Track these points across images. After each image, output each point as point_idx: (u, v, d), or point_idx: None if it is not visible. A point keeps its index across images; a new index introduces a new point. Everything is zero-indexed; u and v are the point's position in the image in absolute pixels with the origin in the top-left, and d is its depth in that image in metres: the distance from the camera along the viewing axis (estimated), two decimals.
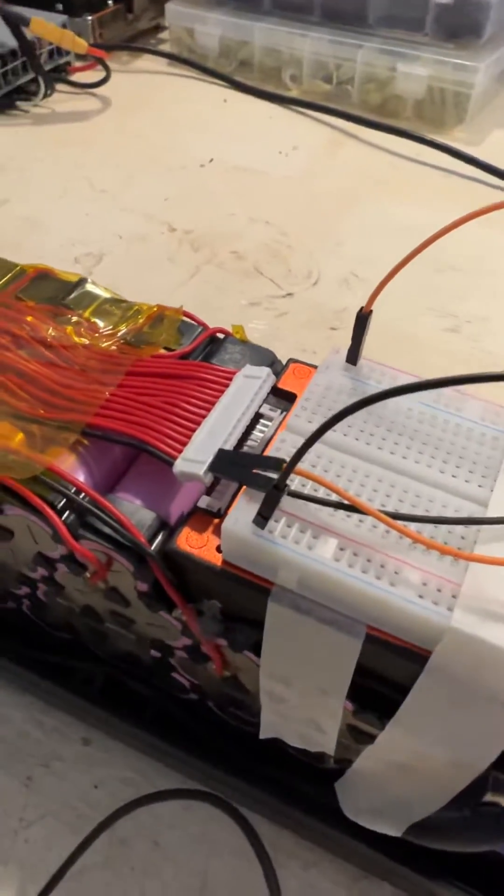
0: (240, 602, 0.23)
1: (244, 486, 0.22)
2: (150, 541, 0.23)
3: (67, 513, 0.24)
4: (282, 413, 0.26)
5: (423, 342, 0.53)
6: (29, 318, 0.30)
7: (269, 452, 0.23)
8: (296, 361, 0.28)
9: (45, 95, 0.76)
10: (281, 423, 0.25)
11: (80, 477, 0.25)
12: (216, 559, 0.22)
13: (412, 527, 0.21)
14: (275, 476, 0.20)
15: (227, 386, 0.25)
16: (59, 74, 0.80)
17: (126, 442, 0.24)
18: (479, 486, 0.23)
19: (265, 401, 0.27)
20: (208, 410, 0.25)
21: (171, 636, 0.26)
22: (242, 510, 0.21)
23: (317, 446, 0.23)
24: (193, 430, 0.24)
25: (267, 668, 0.24)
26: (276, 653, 0.23)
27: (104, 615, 0.28)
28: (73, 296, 0.31)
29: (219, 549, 0.22)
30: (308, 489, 0.22)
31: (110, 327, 0.29)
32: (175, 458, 0.23)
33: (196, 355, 0.29)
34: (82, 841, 0.29)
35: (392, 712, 0.22)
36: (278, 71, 0.82)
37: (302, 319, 0.54)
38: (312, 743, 0.26)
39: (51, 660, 0.33)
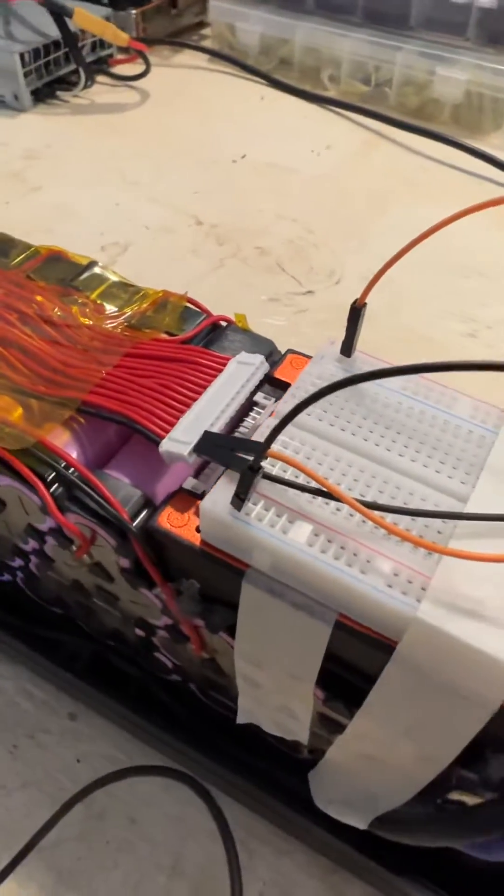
0: (217, 583, 0.23)
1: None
2: (134, 518, 0.24)
3: (56, 486, 0.24)
4: (275, 401, 0.27)
5: (439, 346, 0.53)
6: (38, 298, 0.30)
7: (254, 438, 0.24)
8: (294, 352, 0.28)
9: (85, 86, 0.78)
10: (273, 410, 0.25)
11: (73, 453, 0.26)
12: (195, 539, 0.23)
13: (389, 518, 0.21)
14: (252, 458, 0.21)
15: (220, 371, 0.26)
16: (100, 66, 0.81)
17: (116, 419, 0.25)
18: (462, 482, 0.22)
19: (261, 389, 0.27)
20: (200, 394, 0.25)
21: (153, 614, 0.27)
22: (221, 491, 0.22)
23: (302, 434, 0.24)
24: (183, 412, 0.24)
25: (241, 651, 0.24)
26: (249, 635, 0.23)
27: (91, 590, 0.28)
28: (82, 278, 0.31)
29: (198, 530, 0.23)
30: (289, 476, 0.22)
31: (115, 310, 0.30)
32: (163, 437, 0.24)
33: (197, 341, 0.29)
34: (58, 809, 0.30)
35: (361, 702, 0.22)
36: (317, 70, 0.82)
37: (320, 317, 0.55)
38: (287, 730, 0.27)
39: (43, 634, 0.34)
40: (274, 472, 0.22)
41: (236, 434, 0.26)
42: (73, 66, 0.77)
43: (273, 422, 0.24)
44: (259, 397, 0.27)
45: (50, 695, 0.35)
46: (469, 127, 0.77)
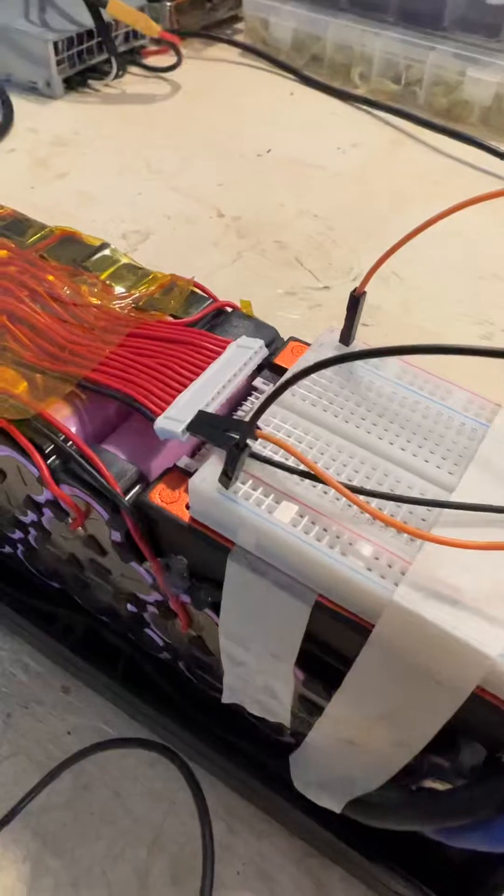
0: (204, 560, 0.24)
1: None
2: (126, 492, 0.24)
3: (53, 458, 0.25)
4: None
5: None
6: (49, 278, 0.31)
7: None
8: (296, 340, 0.29)
9: (117, 76, 0.78)
10: None
11: (72, 427, 0.26)
12: (184, 515, 0.23)
13: (374, 503, 0.21)
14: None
15: (220, 354, 0.26)
16: (132, 57, 0.82)
17: (115, 396, 0.25)
18: (449, 472, 0.23)
19: (260, 375, 0.28)
20: (198, 375, 0.25)
21: (143, 590, 0.27)
22: (211, 469, 0.22)
23: (294, 418, 0.24)
24: (180, 392, 0.25)
25: (225, 628, 0.24)
26: (233, 612, 0.24)
27: (85, 564, 0.29)
28: (93, 259, 0.32)
29: (188, 507, 0.23)
30: (280, 458, 0.22)
31: (123, 291, 0.30)
32: (158, 415, 0.24)
33: (201, 325, 0.29)
34: (44, 777, 0.31)
35: (340, 685, 0.22)
36: (348, 68, 0.82)
37: (335, 313, 0.55)
38: (269, 711, 0.27)
39: (40, 607, 0.34)
40: (265, 454, 0.22)
41: (234, 417, 0.26)
42: (105, 56, 0.78)
43: (271, 406, 0.24)
44: (258, 382, 0.27)
45: (45, 667, 0.36)
46: (498, 129, 0.76)
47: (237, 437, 0.21)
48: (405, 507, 0.22)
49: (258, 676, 0.25)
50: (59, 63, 0.75)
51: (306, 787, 0.27)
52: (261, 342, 0.26)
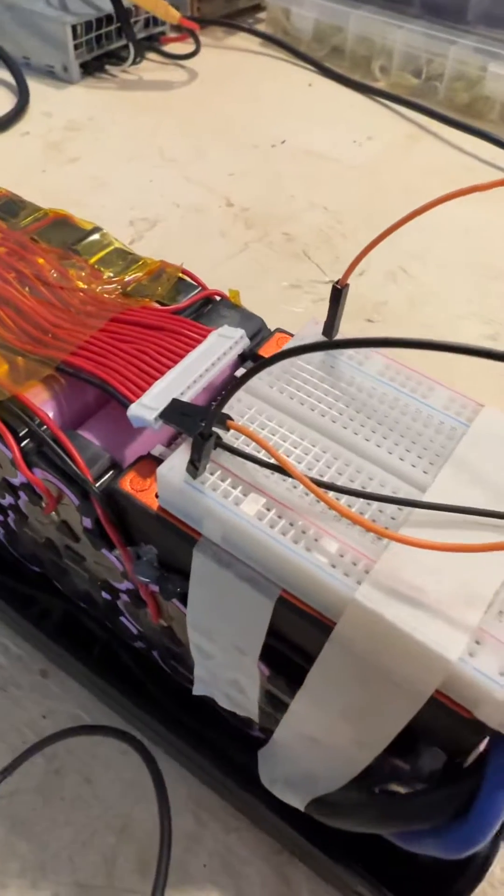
0: (172, 550, 0.23)
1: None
2: (98, 479, 0.24)
3: (27, 441, 0.25)
4: None
5: None
6: (39, 260, 0.31)
7: (225, 410, 0.24)
8: (282, 331, 0.28)
9: (135, 62, 0.78)
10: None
11: (49, 411, 0.26)
12: (153, 504, 0.23)
13: (343, 500, 0.21)
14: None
15: (200, 342, 0.26)
16: (151, 43, 0.81)
17: (92, 381, 0.25)
18: (424, 471, 0.22)
19: (243, 366, 0.27)
20: (176, 363, 0.25)
21: (115, 577, 0.27)
22: (180, 458, 0.22)
23: (269, 410, 0.24)
24: (157, 379, 0.25)
25: (192, 620, 0.24)
26: (199, 605, 0.23)
27: (61, 549, 0.29)
28: (84, 242, 0.32)
29: (157, 496, 0.23)
30: (251, 450, 0.22)
31: (112, 276, 0.30)
32: (134, 402, 0.24)
33: (188, 313, 0.29)
34: (13, 760, 0.31)
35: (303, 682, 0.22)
36: (368, 60, 0.81)
37: None
38: (238, 705, 0.27)
39: (20, 589, 0.34)
40: (236, 445, 0.22)
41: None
42: (123, 42, 0.77)
43: (245, 396, 0.24)
44: (240, 373, 0.27)
45: (25, 651, 0.36)
46: None
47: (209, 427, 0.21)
48: (375, 504, 0.21)
49: (226, 670, 0.25)
50: (76, 47, 0.75)
51: (273, 783, 0.27)
52: (242, 332, 0.26)
